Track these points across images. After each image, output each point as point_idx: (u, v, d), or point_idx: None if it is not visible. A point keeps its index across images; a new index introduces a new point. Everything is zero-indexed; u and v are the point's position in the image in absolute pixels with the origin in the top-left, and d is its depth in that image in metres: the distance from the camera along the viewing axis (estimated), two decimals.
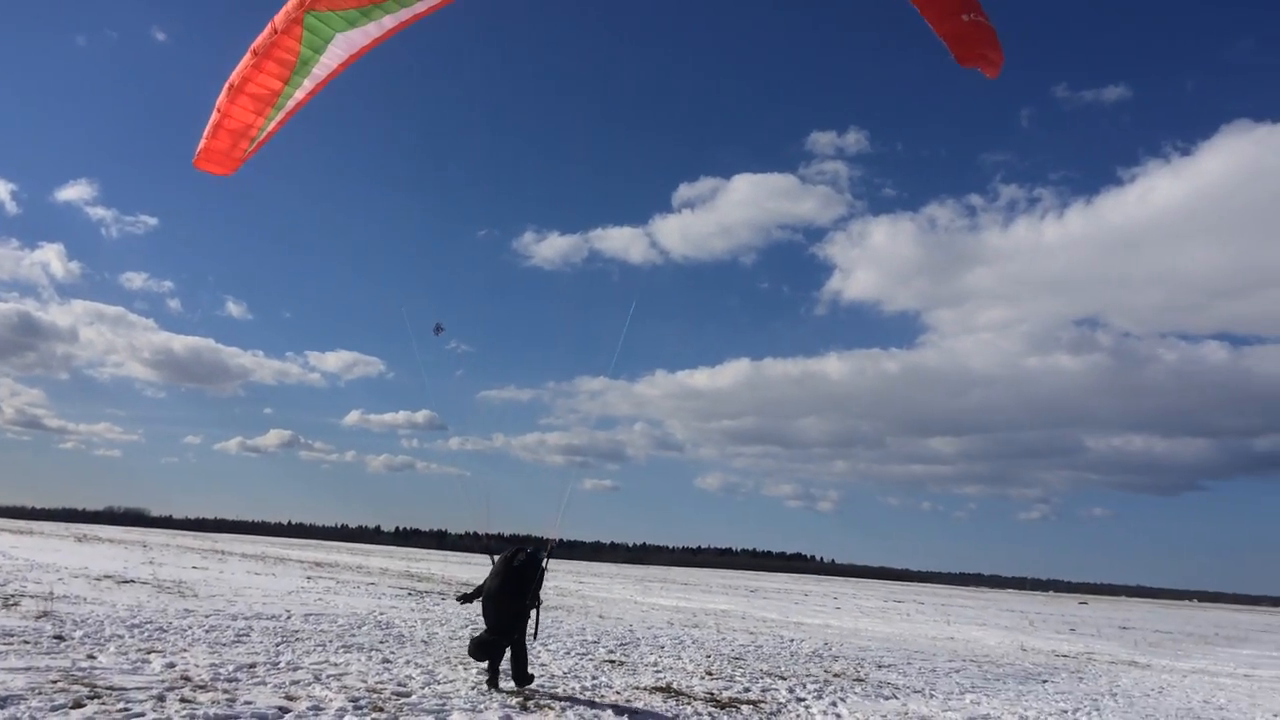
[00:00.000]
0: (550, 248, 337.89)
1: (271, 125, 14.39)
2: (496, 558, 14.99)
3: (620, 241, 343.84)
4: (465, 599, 15.46)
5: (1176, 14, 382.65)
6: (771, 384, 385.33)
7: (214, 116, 14.21)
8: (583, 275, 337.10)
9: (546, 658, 19.18)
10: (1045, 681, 23.78)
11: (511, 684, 14.47)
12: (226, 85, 13.88)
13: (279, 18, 13.15)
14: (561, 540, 15.71)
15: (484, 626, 14.60)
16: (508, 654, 14.55)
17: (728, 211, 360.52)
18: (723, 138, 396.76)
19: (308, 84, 13.92)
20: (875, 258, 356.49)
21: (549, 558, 15.10)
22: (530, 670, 14.84)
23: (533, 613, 14.53)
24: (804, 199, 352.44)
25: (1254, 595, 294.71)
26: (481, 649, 14.42)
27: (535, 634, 15.18)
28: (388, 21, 13.44)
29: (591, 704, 14.10)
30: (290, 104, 14.17)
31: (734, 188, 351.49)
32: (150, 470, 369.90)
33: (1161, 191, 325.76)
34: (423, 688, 14.17)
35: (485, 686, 14.53)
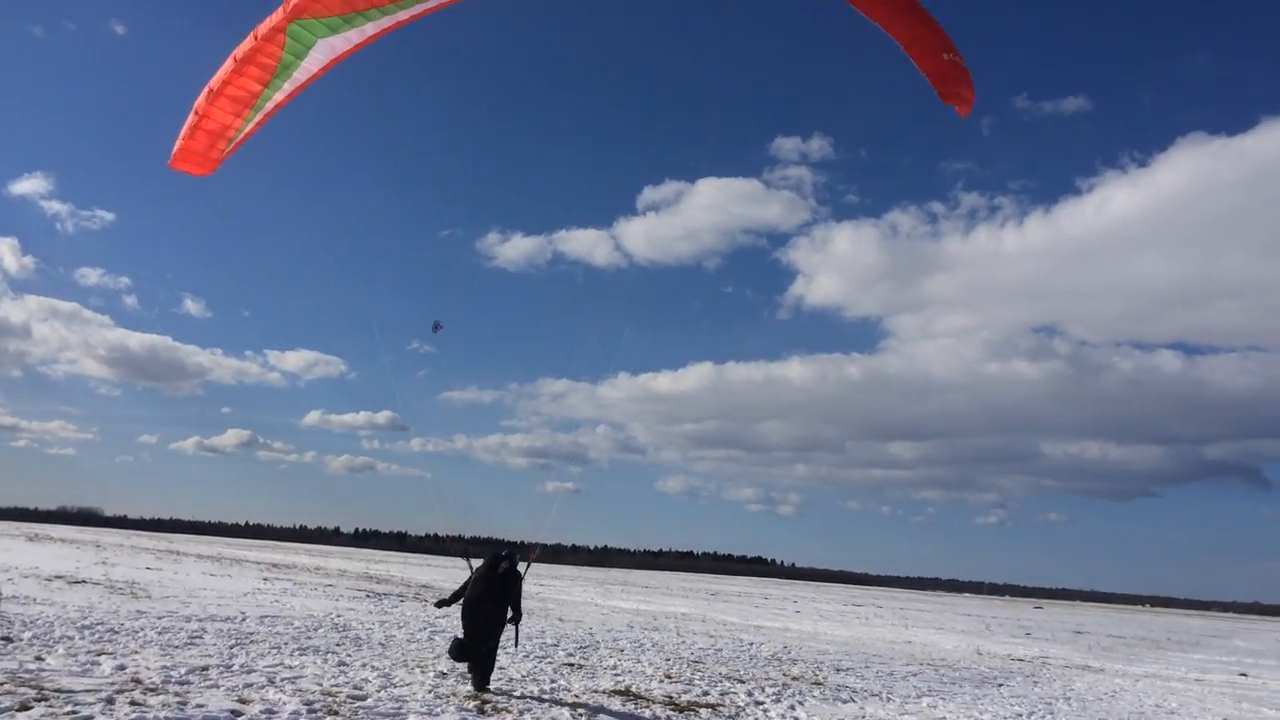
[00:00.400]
0: (514, 249, 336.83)
1: (250, 126, 14.61)
2: (476, 563, 15.05)
3: (584, 244, 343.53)
4: (444, 603, 15.54)
5: (1135, 26, 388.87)
6: (734, 388, 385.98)
7: (191, 119, 14.38)
8: (547, 277, 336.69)
9: (505, 660, 19.08)
10: (1001, 685, 24.02)
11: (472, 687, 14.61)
12: (206, 89, 14.05)
13: (263, 27, 13.37)
14: (524, 543, 15.99)
15: (461, 630, 14.73)
16: None
17: (692, 215, 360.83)
18: (687, 141, 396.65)
19: (287, 86, 14.17)
20: (838, 263, 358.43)
21: (529, 566, 15.34)
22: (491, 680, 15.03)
23: (511, 626, 14.65)
24: (768, 204, 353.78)
25: (1205, 601, 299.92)
26: (462, 651, 14.58)
27: (517, 644, 15.77)
28: (370, 28, 13.74)
29: (550, 707, 14.04)
30: (269, 105, 14.41)
31: (698, 191, 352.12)
32: (105, 469, 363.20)
33: (1118, 202, 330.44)
34: (379, 691, 14.05)
35: (471, 689, 14.59)
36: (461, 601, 14.73)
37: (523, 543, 15.94)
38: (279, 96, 14.21)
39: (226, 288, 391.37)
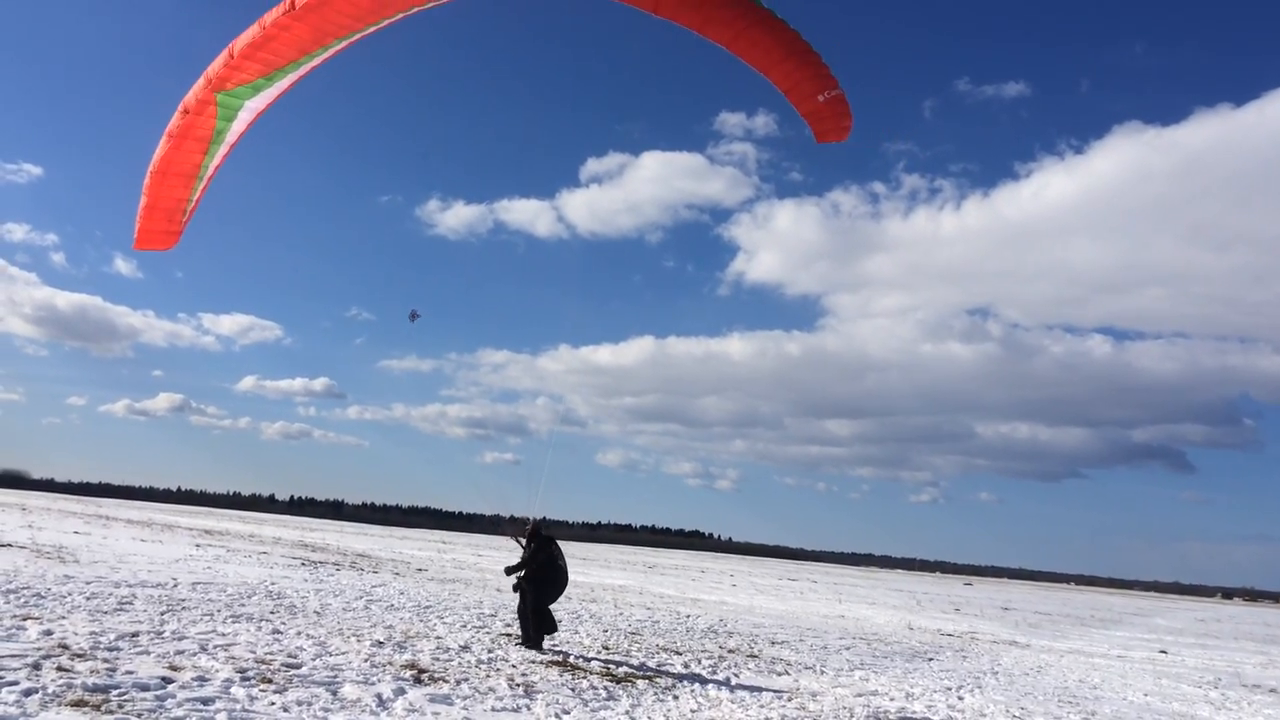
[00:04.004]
0: (455, 217, 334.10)
1: (197, 195, 15.33)
2: (527, 541, 17.73)
3: (527, 214, 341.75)
4: (513, 569, 17.77)
5: (1076, 13, 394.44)
6: (674, 362, 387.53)
7: (144, 201, 14.94)
8: (488, 246, 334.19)
9: (443, 630, 19.03)
10: (931, 659, 24.50)
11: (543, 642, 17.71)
12: (151, 171, 14.65)
13: (190, 99, 13.79)
14: (512, 518, 18.64)
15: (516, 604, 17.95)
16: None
17: (636, 188, 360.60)
18: (632, 114, 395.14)
19: (223, 150, 14.86)
20: (779, 240, 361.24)
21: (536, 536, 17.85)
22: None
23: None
24: (711, 179, 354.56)
25: (1127, 580, 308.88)
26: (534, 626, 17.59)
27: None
28: (289, 80, 14.27)
29: (487, 676, 14.03)
30: (210, 171, 15.11)
31: (642, 165, 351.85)
32: (31, 431, 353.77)
33: (1054, 188, 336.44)
34: (314, 659, 13.92)
35: (526, 648, 17.30)
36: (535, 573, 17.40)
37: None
38: (217, 160, 14.99)
39: None
